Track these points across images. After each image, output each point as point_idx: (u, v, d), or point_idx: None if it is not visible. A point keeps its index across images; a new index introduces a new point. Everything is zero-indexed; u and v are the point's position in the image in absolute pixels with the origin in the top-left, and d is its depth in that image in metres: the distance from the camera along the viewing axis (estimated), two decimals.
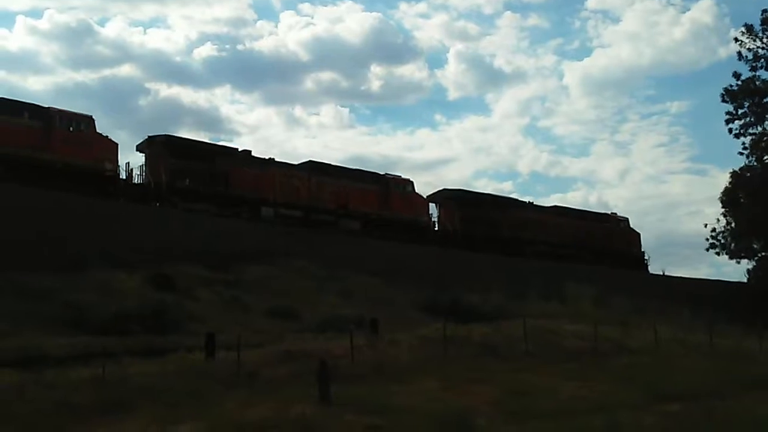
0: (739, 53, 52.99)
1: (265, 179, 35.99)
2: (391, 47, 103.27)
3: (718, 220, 54.01)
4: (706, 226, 54.44)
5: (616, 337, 24.35)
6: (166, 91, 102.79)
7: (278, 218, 35.63)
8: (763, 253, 51.69)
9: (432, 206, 43.23)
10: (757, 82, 52.74)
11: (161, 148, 33.32)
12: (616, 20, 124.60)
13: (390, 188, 40.63)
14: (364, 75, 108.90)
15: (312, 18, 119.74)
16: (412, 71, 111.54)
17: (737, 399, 15.50)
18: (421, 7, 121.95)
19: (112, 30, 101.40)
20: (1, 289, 22.10)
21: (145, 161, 33.42)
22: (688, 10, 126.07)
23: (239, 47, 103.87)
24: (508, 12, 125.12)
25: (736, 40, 53.47)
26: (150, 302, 23.30)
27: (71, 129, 31.07)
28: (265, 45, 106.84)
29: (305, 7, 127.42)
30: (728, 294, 45.68)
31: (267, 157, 37.60)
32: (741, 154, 53.36)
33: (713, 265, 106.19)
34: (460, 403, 14.35)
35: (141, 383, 15.26)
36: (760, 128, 52.91)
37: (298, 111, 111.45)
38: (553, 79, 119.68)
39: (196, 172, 33.67)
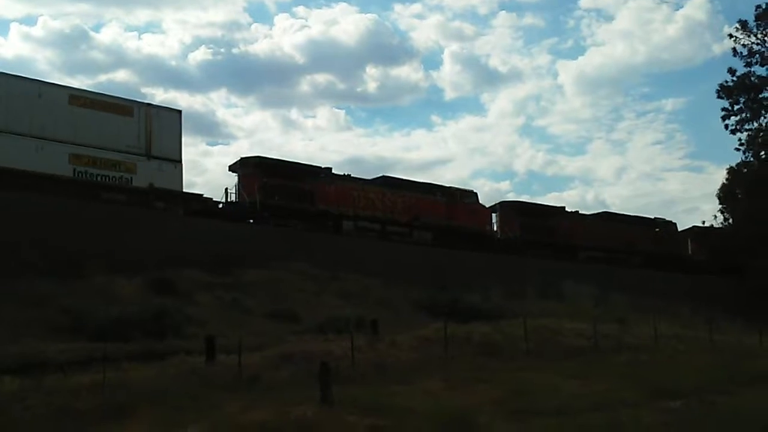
0: (734, 49, 53.10)
1: (586, 228, 46.79)
2: (387, 48, 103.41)
3: (716, 216, 54.22)
4: (703, 222, 54.68)
5: (615, 335, 24.38)
6: (162, 95, 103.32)
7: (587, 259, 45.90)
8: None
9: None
10: (753, 78, 52.81)
11: (512, 210, 44.44)
12: (609, 18, 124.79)
13: (654, 229, 50.61)
14: (359, 77, 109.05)
15: (306, 20, 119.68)
16: (407, 72, 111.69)
17: (738, 394, 15.50)
18: (416, 7, 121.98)
19: (106, 35, 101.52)
20: (0, 295, 22.07)
21: (499, 220, 44.14)
22: (682, 7, 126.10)
23: (234, 51, 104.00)
24: (503, 12, 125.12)
25: (731, 36, 53.59)
26: (150, 307, 23.24)
27: (465, 202, 41.84)
28: (260, 48, 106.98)
29: (300, 9, 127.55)
30: (728, 290, 45.70)
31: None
32: (737, 150, 53.48)
33: None
34: (461, 402, 14.35)
35: (142, 388, 15.24)
36: (756, 124, 53.04)
37: (294, 114, 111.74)
38: (548, 78, 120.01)
39: (536, 227, 44.05)
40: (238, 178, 35.15)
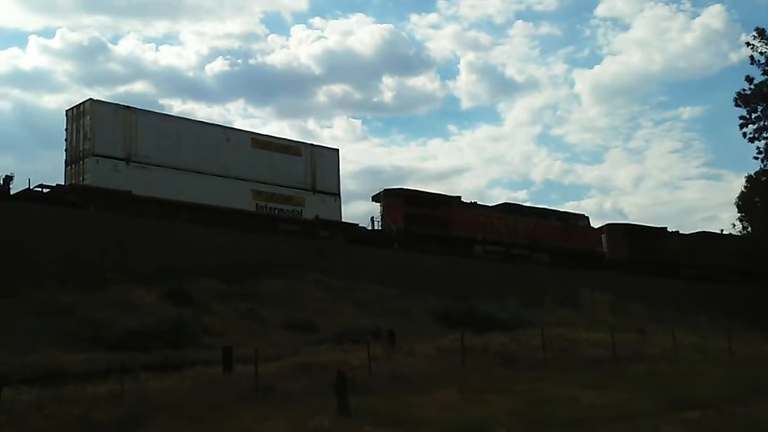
0: (752, 57, 52.69)
1: (687, 247, 49.02)
2: (403, 58, 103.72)
3: (734, 225, 54.03)
4: (722, 231, 54.41)
5: (633, 344, 24.22)
6: (180, 107, 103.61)
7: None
8: None
9: None
10: None
11: (619, 232, 47.21)
12: (626, 27, 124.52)
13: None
14: (376, 87, 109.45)
15: (323, 31, 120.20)
16: (424, 82, 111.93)
17: (757, 406, 15.39)
18: (432, 17, 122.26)
19: (124, 47, 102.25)
20: (20, 306, 22.22)
21: (607, 241, 46.68)
22: (698, 15, 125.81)
23: (251, 62, 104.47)
24: (519, 21, 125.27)
25: (748, 44, 53.25)
26: (168, 317, 23.32)
27: (577, 225, 45.45)
28: (277, 59, 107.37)
29: (316, 20, 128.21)
30: (747, 298, 45.33)
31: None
32: (756, 158, 53.08)
33: None
34: (479, 413, 14.33)
35: (159, 398, 15.30)
36: None
37: (311, 124, 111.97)
38: (565, 87, 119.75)
39: (642, 247, 46.30)
40: (382, 208, 38.79)
